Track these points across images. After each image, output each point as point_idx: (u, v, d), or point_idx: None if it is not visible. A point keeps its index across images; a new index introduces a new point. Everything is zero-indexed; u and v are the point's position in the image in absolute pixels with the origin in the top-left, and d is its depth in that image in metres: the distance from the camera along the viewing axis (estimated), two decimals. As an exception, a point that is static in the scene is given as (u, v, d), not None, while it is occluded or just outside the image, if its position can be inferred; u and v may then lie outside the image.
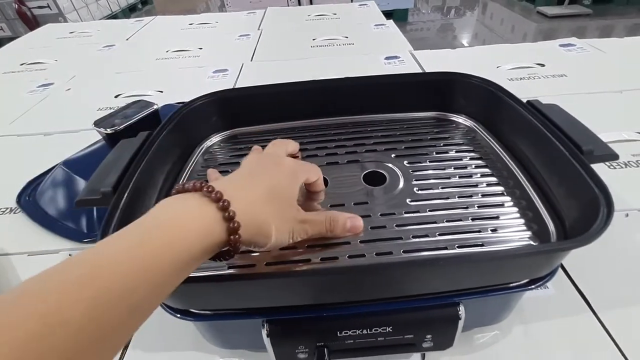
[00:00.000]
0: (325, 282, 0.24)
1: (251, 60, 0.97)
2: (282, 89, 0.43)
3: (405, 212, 0.32)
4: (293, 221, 0.26)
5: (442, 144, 0.40)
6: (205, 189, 0.22)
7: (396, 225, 0.31)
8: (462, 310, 0.27)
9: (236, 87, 0.81)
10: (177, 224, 0.20)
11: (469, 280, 0.25)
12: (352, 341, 0.29)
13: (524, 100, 0.36)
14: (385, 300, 0.27)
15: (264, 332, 0.28)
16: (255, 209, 0.24)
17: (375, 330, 0.28)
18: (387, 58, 0.91)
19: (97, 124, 0.55)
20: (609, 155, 0.28)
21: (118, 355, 0.36)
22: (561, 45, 0.90)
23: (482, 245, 0.29)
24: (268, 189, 0.25)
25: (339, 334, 0.28)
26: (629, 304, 0.37)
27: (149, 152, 0.33)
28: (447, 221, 0.31)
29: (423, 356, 0.33)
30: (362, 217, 0.32)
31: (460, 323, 0.28)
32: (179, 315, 0.27)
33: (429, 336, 0.29)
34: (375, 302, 0.27)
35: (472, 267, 0.24)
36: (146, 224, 0.20)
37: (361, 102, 0.45)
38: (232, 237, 0.22)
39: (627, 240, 0.43)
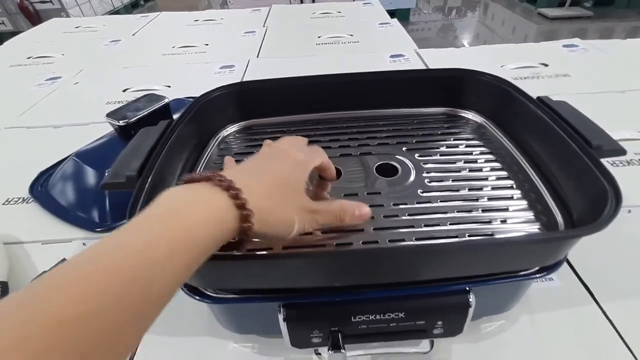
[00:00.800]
0: (341, 264, 0.25)
1: (257, 56, 0.98)
2: (296, 82, 0.44)
3: (417, 202, 0.33)
4: (303, 211, 0.26)
5: (452, 139, 0.41)
6: (216, 179, 0.22)
7: (408, 214, 0.32)
8: (472, 298, 0.28)
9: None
10: (193, 213, 0.20)
11: (479, 266, 0.26)
12: (365, 326, 0.30)
13: (534, 97, 0.37)
14: (398, 285, 0.28)
15: (281, 317, 0.29)
16: (265, 198, 0.24)
17: (388, 315, 0.29)
18: (392, 56, 0.92)
19: (110, 115, 0.56)
20: (617, 151, 0.29)
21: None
22: (564, 46, 0.91)
23: (491, 234, 0.30)
24: (276, 179, 0.25)
25: (352, 319, 0.29)
26: (632, 296, 0.38)
27: (170, 139, 0.34)
28: (457, 211, 0.32)
29: (432, 343, 0.34)
30: (375, 206, 0.33)
31: (471, 311, 0.29)
32: (197, 298, 0.28)
33: (439, 323, 0.30)
34: (389, 287, 0.28)
35: (484, 251, 0.24)
36: (161, 213, 0.20)
37: (373, 97, 0.46)
38: (244, 224, 0.22)
39: (629, 236, 0.45)
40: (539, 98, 0.36)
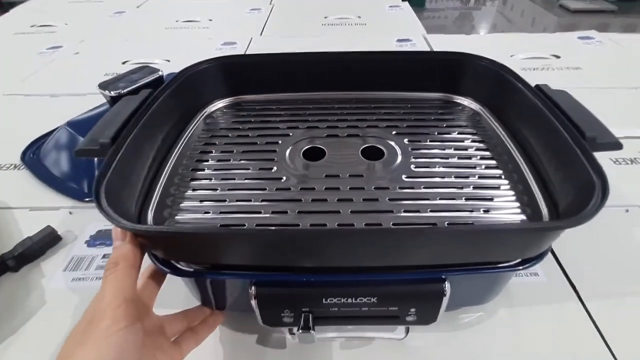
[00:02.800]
0: (309, 244, 0.24)
1: (260, 34, 0.96)
2: (288, 59, 0.43)
3: (400, 188, 0.32)
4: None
5: (444, 125, 0.39)
6: None
7: (389, 199, 0.31)
8: (447, 287, 0.28)
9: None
10: None
11: (455, 254, 0.25)
12: (336, 309, 0.29)
13: (533, 85, 0.35)
14: (372, 270, 0.27)
15: (252, 295, 0.28)
16: None
17: (360, 300, 0.29)
18: (399, 40, 0.89)
19: (102, 86, 0.55)
20: (613, 144, 0.27)
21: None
22: (580, 38, 0.87)
23: (472, 224, 0.29)
24: None
25: (323, 301, 0.29)
26: (618, 296, 0.37)
27: (150, 109, 0.33)
28: (440, 199, 0.31)
29: (407, 330, 0.34)
30: (355, 189, 0.32)
31: (445, 300, 0.28)
32: (169, 271, 0.28)
33: (412, 310, 0.30)
34: (362, 271, 0.27)
35: (458, 238, 0.24)
36: None
37: (367, 78, 0.44)
38: None
39: (625, 235, 0.43)
40: (537, 86, 0.34)
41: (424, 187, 0.32)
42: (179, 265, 0.28)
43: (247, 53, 0.84)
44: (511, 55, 0.81)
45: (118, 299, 0.22)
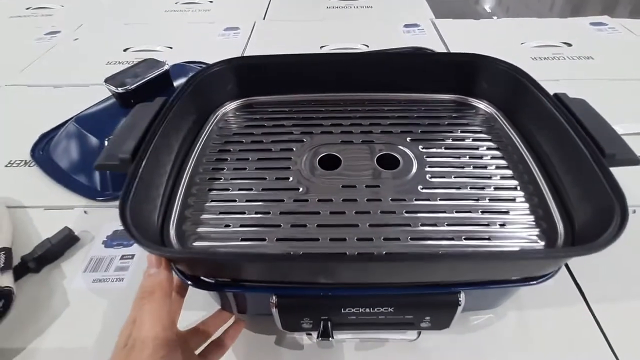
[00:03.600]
0: (330, 268, 0.25)
1: (264, 18, 0.93)
2: (300, 60, 0.42)
3: (416, 199, 0.32)
4: None
5: (459, 131, 0.39)
6: None
7: (405, 212, 0.32)
8: (462, 297, 0.29)
9: (250, 52, 0.78)
10: None
11: (470, 274, 0.26)
12: (354, 317, 0.30)
13: (551, 93, 0.35)
14: (389, 285, 0.28)
15: (273, 304, 0.29)
16: None
17: (377, 309, 0.30)
18: (406, 26, 0.87)
19: (108, 81, 0.54)
20: (631, 160, 0.27)
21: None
22: (592, 24, 0.85)
23: (488, 239, 0.29)
24: None
25: (342, 310, 0.30)
26: (624, 299, 0.38)
27: (166, 119, 0.33)
28: (456, 212, 0.31)
29: (419, 332, 0.35)
30: (373, 200, 0.33)
31: (460, 309, 0.29)
32: (190, 283, 0.29)
33: (427, 318, 0.31)
34: (379, 286, 0.28)
35: (473, 264, 0.24)
36: None
37: (379, 79, 0.43)
38: None
39: (632, 237, 0.44)
40: (555, 95, 0.34)
41: (440, 199, 0.32)
42: (204, 279, 0.29)
43: (250, 41, 0.82)
44: (522, 43, 0.79)
45: (157, 328, 0.23)
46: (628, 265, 0.41)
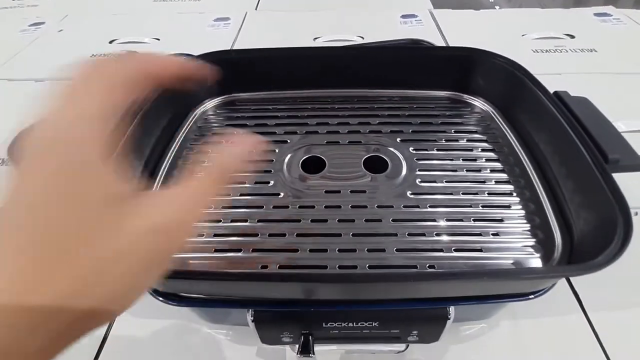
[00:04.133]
0: (309, 287, 0.23)
1: (256, 8, 0.89)
2: (284, 54, 0.40)
3: (404, 206, 0.30)
4: (129, 236, 0.14)
5: (452, 130, 0.37)
6: None
7: (392, 220, 0.30)
8: (451, 311, 0.27)
9: (241, 43, 0.76)
10: None
11: (459, 291, 0.24)
12: (337, 332, 0.29)
13: (552, 87, 0.32)
14: (374, 301, 0.26)
15: (249, 318, 0.28)
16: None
17: (361, 324, 0.28)
18: (403, 16, 0.84)
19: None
20: (636, 166, 0.25)
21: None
22: (596, 15, 0.82)
23: (480, 250, 0.27)
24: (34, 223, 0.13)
25: (324, 325, 0.28)
26: (623, 308, 0.36)
27: (135, 119, 0.31)
28: (447, 220, 0.29)
29: (407, 344, 0.34)
30: (358, 207, 0.31)
31: (449, 322, 0.28)
32: (161, 299, 0.27)
33: (415, 332, 0.29)
34: (363, 302, 0.26)
35: (461, 284, 0.22)
36: None
37: (369, 74, 0.41)
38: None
39: (634, 242, 0.42)
40: (556, 93, 0.31)
41: (429, 206, 0.30)
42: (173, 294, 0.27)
43: (241, 32, 0.79)
44: (523, 35, 0.76)
45: None
46: (629, 272, 0.39)
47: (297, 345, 0.29)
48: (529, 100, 0.34)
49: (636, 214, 0.44)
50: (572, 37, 0.75)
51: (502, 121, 0.37)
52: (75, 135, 0.15)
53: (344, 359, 0.34)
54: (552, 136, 0.31)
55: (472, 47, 0.38)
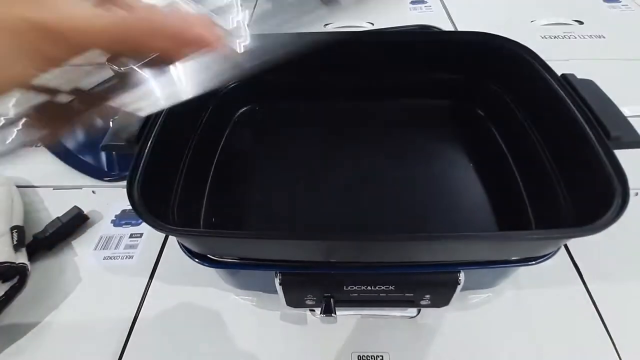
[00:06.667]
0: (333, 247, 0.26)
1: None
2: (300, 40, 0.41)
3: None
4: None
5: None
6: None
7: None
8: (462, 277, 0.29)
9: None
10: None
11: (470, 255, 0.27)
12: (356, 295, 0.31)
13: (560, 73, 0.34)
14: (391, 264, 0.29)
15: (277, 281, 0.30)
16: None
17: (378, 287, 0.31)
18: (412, 2, 0.85)
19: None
20: (638, 143, 0.27)
21: (144, 284, 0.39)
22: (605, 1, 0.82)
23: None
24: None
25: (345, 288, 0.31)
26: (621, 280, 0.38)
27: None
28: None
29: (419, 310, 0.36)
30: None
31: (459, 288, 0.30)
32: (197, 260, 0.29)
33: (427, 296, 0.32)
34: (381, 265, 0.29)
35: (473, 245, 0.25)
36: None
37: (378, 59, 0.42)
38: None
39: (633, 219, 0.44)
40: (563, 75, 0.33)
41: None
42: (210, 257, 0.30)
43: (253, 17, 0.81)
44: (531, 21, 0.77)
45: None
46: (627, 246, 0.41)
47: (319, 309, 0.32)
48: (537, 81, 0.35)
49: (636, 194, 0.46)
50: (581, 23, 0.76)
51: (511, 102, 0.39)
52: None
53: (360, 324, 0.37)
54: (559, 115, 0.33)
55: (481, 32, 0.40)
